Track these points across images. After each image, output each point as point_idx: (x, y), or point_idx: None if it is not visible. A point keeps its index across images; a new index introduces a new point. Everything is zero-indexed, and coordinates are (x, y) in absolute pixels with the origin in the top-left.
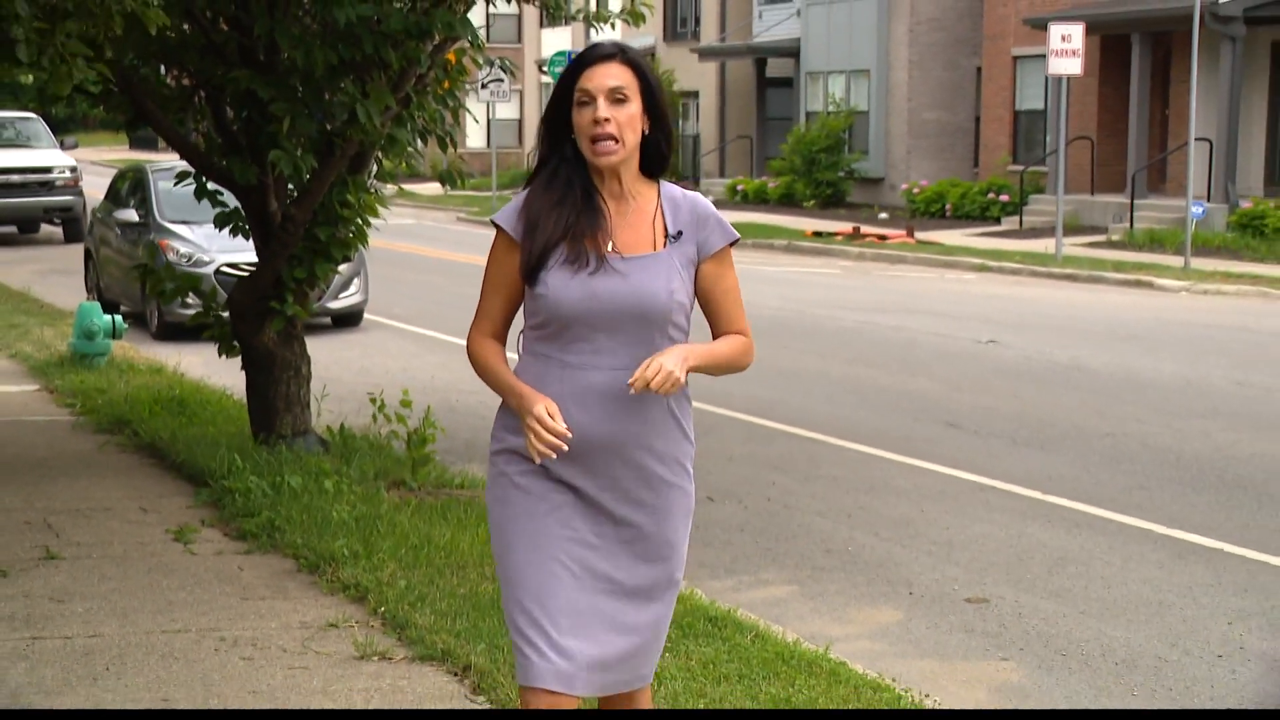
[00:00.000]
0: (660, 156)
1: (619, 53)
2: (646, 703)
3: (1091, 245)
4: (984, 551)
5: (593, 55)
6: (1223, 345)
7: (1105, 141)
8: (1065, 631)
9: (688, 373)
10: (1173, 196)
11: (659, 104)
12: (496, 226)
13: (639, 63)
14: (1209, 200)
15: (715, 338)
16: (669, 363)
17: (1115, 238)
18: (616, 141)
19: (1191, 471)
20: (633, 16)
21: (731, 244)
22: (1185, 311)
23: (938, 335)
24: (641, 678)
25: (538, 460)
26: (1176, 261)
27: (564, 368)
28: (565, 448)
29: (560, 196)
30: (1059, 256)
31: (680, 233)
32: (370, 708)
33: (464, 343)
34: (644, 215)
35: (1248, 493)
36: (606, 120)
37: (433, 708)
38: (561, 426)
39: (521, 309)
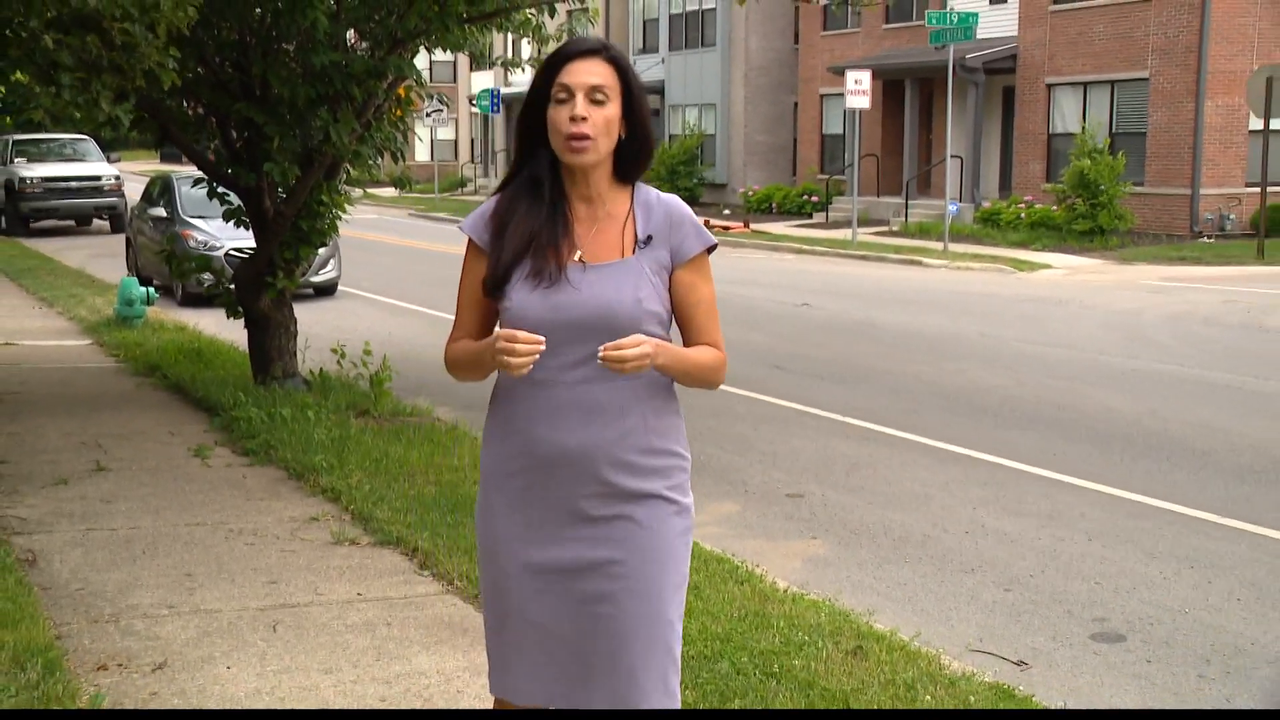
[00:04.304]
0: (637, 161)
1: (603, 49)
2: None
3: (878, 234)
4: (800, 459)
5: (574, 49)
6: (972, 307)
7: (887, 157)
8: (858, 517)
9: (658, 367)
10: (935, 198)
11: (639, 107)
12: (466, 234)
13: (623, 62)
14: (961, 200)
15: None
16: (647, 346)
17: (895, 228)
18: (591, 139)
19: (950, 399)
20: (538, 62)
21: (708, 250)
22: (945, 282)
23: (768, 300)
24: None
25: (526, 371)
26: (938, 246)
27: (533, 385)
28: (543, 346)
29: (528, 206)
30: (854, 242)
31: (650, 237)
32: (342, 581)
33: (416, 307)
34: (615, 221)
35: (987, 413)
36: (584, 119)
37: (390, 580)
38: (527, 334)
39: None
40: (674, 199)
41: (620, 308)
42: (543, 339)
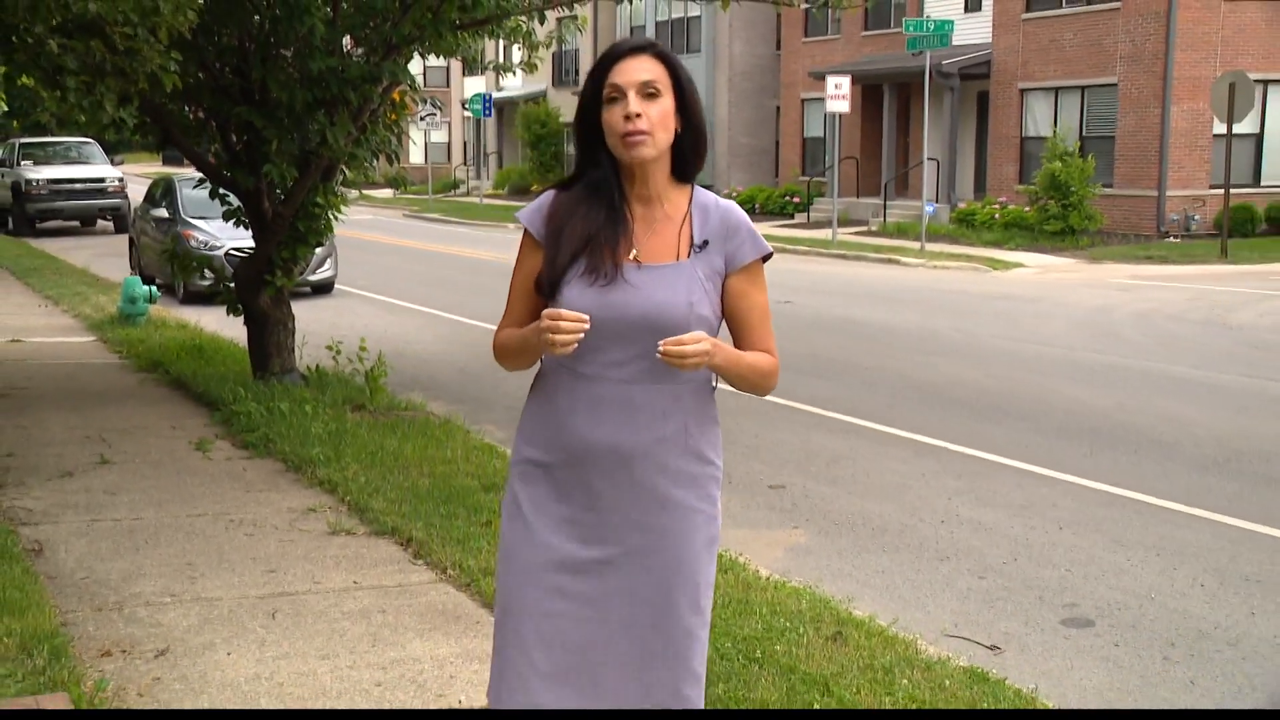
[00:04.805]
0: (692, 158)
1: (650, 46)
2: None
3: (857, 234)
4: (781, 451)
5: (622, 49)
6: (948, 304)
7: (866, 160)
8: (838, 507)
9: (713, 367)
10: (913, 199)
11: (691, 102)
12: (521, 225)
13: (671, 57)
14: (937, 201)
15: None
16: (707, 344)
17: (873, 228)
18: (647, 133)
19: (925, 392)
20: (528, 67)
21: (764, 258)
22: (922, 280)
23: None
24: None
25: (571, 351)
26: (915, 245)
27: (576, 378)
28: (588, 326)
29: (588, 209)
30: (834, 242)
31: (706, 242)
32: (339, 570)
33: (411, 305)
34: (672, 223)
35: (962, 406)
36: (639, 116)
37: (385, 568)
38: (574, 314)
39: None
40: (731, 205)
41: (671, 310)
42: (587, 318)
